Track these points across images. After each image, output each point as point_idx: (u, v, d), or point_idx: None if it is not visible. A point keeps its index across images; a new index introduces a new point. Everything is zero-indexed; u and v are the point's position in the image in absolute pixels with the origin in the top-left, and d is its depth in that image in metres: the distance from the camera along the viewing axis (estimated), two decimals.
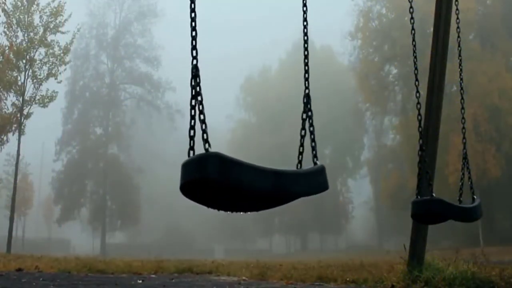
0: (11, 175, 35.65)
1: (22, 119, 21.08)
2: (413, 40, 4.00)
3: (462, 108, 4.26)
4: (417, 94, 3.82)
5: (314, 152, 2.22)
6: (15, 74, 21.42)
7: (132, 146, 46.57)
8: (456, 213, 3.63)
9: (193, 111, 1.89)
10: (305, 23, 2.49)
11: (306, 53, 2.51)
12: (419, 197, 3.68)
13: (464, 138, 4.15)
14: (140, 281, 5.41)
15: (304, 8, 2.49)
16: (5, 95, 21.38)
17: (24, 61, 21.47)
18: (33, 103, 21.38)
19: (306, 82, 2.39)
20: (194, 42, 1.97)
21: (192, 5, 2.01)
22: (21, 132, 21.12)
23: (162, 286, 4.88)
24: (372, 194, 49.84)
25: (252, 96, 53.65)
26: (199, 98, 1.89)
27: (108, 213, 45.81)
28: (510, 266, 4.93)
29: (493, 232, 28.96)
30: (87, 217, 46.74)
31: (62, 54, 22.26)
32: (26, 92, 21.24)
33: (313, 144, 2.23)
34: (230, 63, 68.47)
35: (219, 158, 1.74)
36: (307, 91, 2.34)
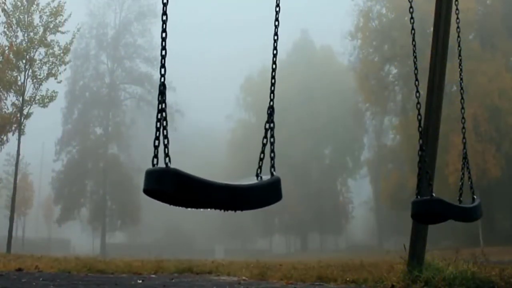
0: (11, 175, 35.67)
1: (22, 119, 21.08)
2: (413, 40, 3.99)
3: (462, 108, 4.25)
4: (417, 94, 3.81)
5: (272, 162, 2.31)
6: (15, 74, 21.44)
7: (132, 146, 46.56)
8: (456, 213, 3.62)
9: (158, 123, 2.02)
10: (275, 37, 2.57)
11: (274, 66, 2.59)
12: (419, 197, 3.67)
13: (464, 138, 4.15)
14: (140, 281, 5.40)
15: (276, 23, 2.57)
16: (5, 95, 21.40)
17: (24, 61, 21.47)
18: (33, 103, 21.39)
19: (272, 94, 2.50)
20: (163, 61, 2.12)
21: (164, 26, 2.13)
22: (21, 132, 21.13)
23: (162, 286, 4.88)
24: (372, 194, 49.86)
25: (252, 96, 53.61)
26: (163, 114, 2.03)
27: (108, 213, 45.81)
28: (510, 266, 4.93)
29: (493, 232, 28.97)
30: (87, 217, 46.74)
31: (62, 54, 22.27)
32: (26, 92, 21.26)
33: (272, 154, 2.33)
34: (230, 63, 68.53)
35: (177, 174, 1.89)
36: (271, 103, 2.44)
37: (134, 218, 45.80)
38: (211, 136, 62.97)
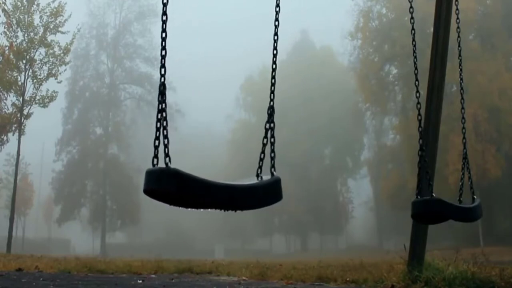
0: (11, 175, 35.69)
1: (22, 119, 21.09)
2: (413, 40, 3.99)
3: (462, 108, 4.25)
4: (417, 94, 3.81)
5: (272, 162, 2.32)
6: (15, 74, 21.44)
7: (132, 146, 46.56)
8: (456, 213, 3.62)
9: (158, 123, 2.03)
10: (275, 38, 2.57)
11: (274, 66, 2.60)
12: (419, 197, 3.68)
13: (464, 138, 4.15)
14: (140, 281, 5.40)
15: (276, 23, 2.57)
16: (5, 95, 21.41)
17: (24, 61, 21.48)
18: (33, 103, 21.40)
19: (272, 94, 2.50)
20: (163, 61, 2.12)
21: (164, 26, 2.13)
22: (21, 132, 21.13)
23: (162, 286, 4.88)
24: (372, 194, 49.85)
25: (252, 96, 53.61)
26: (164, 114, 2.04)
27: (108, 213, 45.81)
28: (510, 266, 4.92)
29: (493, 232, 28.98)
30: (87, 217, 46.75)
31: (62, 54, 22.28)
32: (26, 92, 21.28)
33: (273, 154, 2.33)
34: (230, 63, 68.51)
35: (177, 174, 1.90)
36: (271, 103, 2.45)
37: (134, 218, 45.81)
38: (211, 136, 62.97)
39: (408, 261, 4.74)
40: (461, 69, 4.36)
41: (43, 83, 21.61)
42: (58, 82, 22.58)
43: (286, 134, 41.77)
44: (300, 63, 50.02)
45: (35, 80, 21.47)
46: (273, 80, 2.58)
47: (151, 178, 1.96)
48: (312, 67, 50.75)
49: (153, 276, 6.63)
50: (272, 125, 2.38)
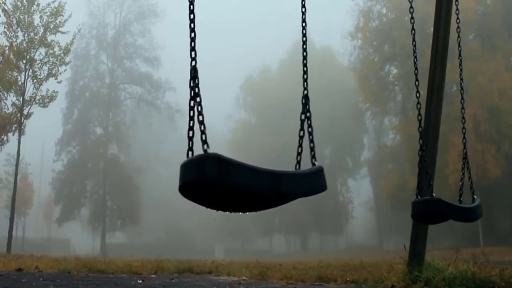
0: (11, 175, 35.70)
1: (22, 119, 21.08)
2: (413, 40, 4.00)
3: (462, 108, 4.26)
4: (417, 94, 3.82)
5: (312, 153, 2.22)
6: (15, 74, 21.43)
7: (132, 146, 46.58)
8: (456, 213, 3.63)
9: (191, 112, 1.90)
10: (303, 24, 2.49)
11: (305, 54, 2.53)
12: (419, 197, 3.68)
13: (464, 138, 4.15)
14: (140, 281, 5.40)
15: (303, 9, 2.49)
16: (5, 95, 21.40)
17: (24, 61, 21.47)
18: (33, 103, 21.40)
19: (305, 83, 2.40)
20: (193, 43, 1.99)
21: (191, 7, 2.02)
22: (21, 132, 21.12)
23: (162, 286, 4.88)
24: (372, 194, 49.85)
25: (252, 96, 53.62)
26: (197, 99, 1.91)
27: (108, 213, 45.81)
28: (510, 266, 4.92)
29: (493, 232, 28.96)
30: (87, 217, 46.75)
31: (62, 54, 22.27)
32: (26, 92, 21.27)
33: (312, 145, 2.24)
34: (230, 63, 68.50)
35: (218, 160, 1.75)
36: (305, 92, 2.35)
37: (134, 218, 45.81)
38: (211, 136, 62.58)
39: (408, 261, 4.74)
40: (461, 69, 4.37)
41: (43, 83, 21.62)
42: (58, 82, 22.59)
43: (286, 134, 41.78)
44: (300, 63, 49.95)
45: (35, 80, 21.47)
46: (305, 68, 2.51)
47: (189, 169, 1.78)
48: (312, 67, 50.32)
49: (153, 276, 6.63)
50: (308, 114, 2.28)
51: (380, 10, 37.53)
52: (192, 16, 2.02)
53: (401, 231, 30.04)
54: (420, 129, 3.75)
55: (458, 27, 4.41)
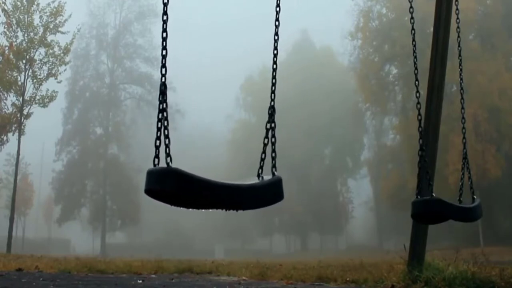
0: (11, 175, 35.70)
1: (22, 119, 21.09)
2: (413, 40, 4.00)
3: (462, 108, 4.26)
4: (417, 94, 3.82)
5: (273, 162, 2.32)
6: (15, 74, 21.44)
7: (132, 146, 46.56)
8: (456, 213, 3.62)
9: (159, 123, 2.02)
10: (276, 37, 2.56)
11: (274, 66, 2.58)
12: (419, 197, 3.68)
13: (464, 138, 4.15)
14: (140, 281, 5.40)
15: (277, 23, 2.56)
16: (5, 95, 21.40)
17: (24, 61, 21.48)
18: (33, 103, 21.40)
19: (272, 94, 2.50)
20: (164, 60, 2.11)
21: (164, 25, 2.12)
22: (21, 132, 21.13)
23: (162, 286, 4.88)
24: (372, 194, 49.84)
25: (252, 96, 53.59)
26: (164, 114, 2.03)
27: (108, 213, 45.80)
28: (510, 266, 4.92)
29: (493, 232, 28.96)
30: (87, 217, 46.75)
31: (62, 54, 22.27)
32: (26, 92, 21.27)
33: (274, 154, 2.34)
34: (230, 63, 68.50)
35: (178, 174, 1.89)
36: (272, 103, 2.45)
37: (134, 218, 45.80)
38: (211, 136, 62.94)
39: (408, 261, 4.74)
40: (461, 69, 4.36)
41: (43, 83, 21.62)
42: (58, 82, 22.60)
43: (286, 134, 41.77)
44: (300, 63, 50.01)
45: (35, 80, 21.47)
46: (273, 80, 2.58)
47: (152, 178, 1.94)
48: (312, 67, 50.75)
49: (153, 276, 6.63)
50: (273, 125, 2.38)
51: (380, 10, 37.55)
52: (164, 34, 2.12)
53: (401, 231, 30.06)
54: (420, 129, 3.75)
55: (458, 27, 4.41)
